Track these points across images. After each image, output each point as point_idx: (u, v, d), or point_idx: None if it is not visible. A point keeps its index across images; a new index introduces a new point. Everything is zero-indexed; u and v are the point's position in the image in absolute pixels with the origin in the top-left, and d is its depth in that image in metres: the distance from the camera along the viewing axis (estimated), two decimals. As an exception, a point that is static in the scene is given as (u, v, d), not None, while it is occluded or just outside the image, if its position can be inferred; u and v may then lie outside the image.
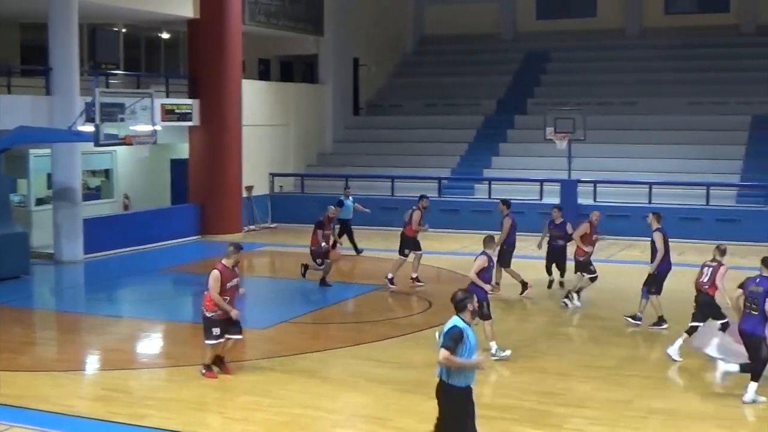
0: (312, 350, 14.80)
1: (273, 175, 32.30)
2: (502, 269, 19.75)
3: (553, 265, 20.29)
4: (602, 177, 29.35)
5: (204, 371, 13.31)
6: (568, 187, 28.65)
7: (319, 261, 20.22)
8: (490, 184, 30.48)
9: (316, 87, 35.67)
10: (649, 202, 27.81)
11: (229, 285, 13.11)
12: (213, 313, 13.11)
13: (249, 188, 30.11)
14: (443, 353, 8.80)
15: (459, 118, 35.68)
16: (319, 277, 20.35)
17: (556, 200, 27.26)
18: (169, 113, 27.06)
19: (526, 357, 14.38)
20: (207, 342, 13.26)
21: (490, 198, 29.50)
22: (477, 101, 36.65)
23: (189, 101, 28.23)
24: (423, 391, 12.57)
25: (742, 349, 12.59)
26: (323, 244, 20.22)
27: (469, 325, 9.04)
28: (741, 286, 12.65)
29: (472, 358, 8.92)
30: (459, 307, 9.11)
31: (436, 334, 9.15)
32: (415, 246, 20.50)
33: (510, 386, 13.15)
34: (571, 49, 38.50)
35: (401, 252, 20.52)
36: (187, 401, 12.29)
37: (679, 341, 14.26)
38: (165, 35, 31.96)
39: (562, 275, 20.26)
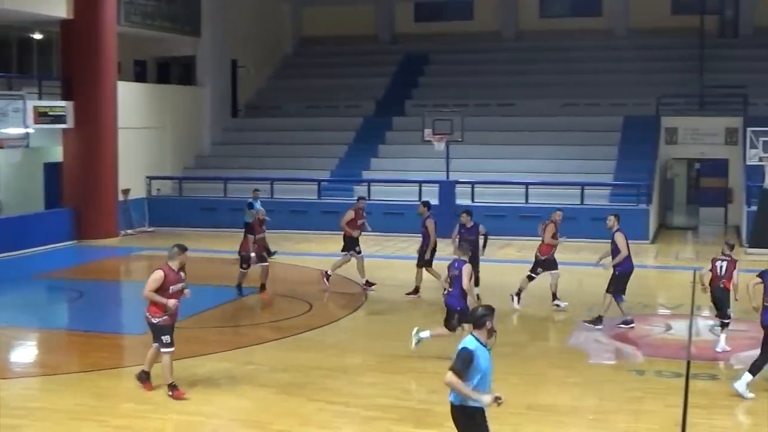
0: (191, 355, 14.60)
1: (150, 178, 31.79)
2: (424, 270, 19.61)
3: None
4: (480, 178, 29.79)
5: (170, 392, 12.34)
6: (447, 188, 28.96)
7: (245, 266, 19.74)
8: (369, 185, 30.59)
9: (193, 89, 35.26)
10: (526, 202, 28.41)
11: (172, 288, 12.26)
12: (159, 319, 12.26)
13: (125, 191, 29.56)
14: (449, 376, 8.17)
15: (338, 120, 35.72)
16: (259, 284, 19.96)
17: (435, 201, 27.56)
18: (42, 116, 26.39)
19: (405, 357, 14.42)
20: (163, 351, 12.34)
21: (369, 199, 29.62)
22: (356, 103, 36.75)
23: (63, 103, 27.56)
24: (303, 393, 12.58)
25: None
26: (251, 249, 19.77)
27: (485, 346, 8.37)
28: (760, 275, 12.88)
29: (485, 385, 8.31)
30: (477, 324, 8.42)
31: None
32: (353, 246, 20.28)
33: (391, 386, 13.19)
34: (449, 52, 38.91)
35: (346, 251, 20.35)
36: (64, 411, 11.97)
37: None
38: (37, 36, 31.16)
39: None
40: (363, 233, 20.63)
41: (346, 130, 35.06)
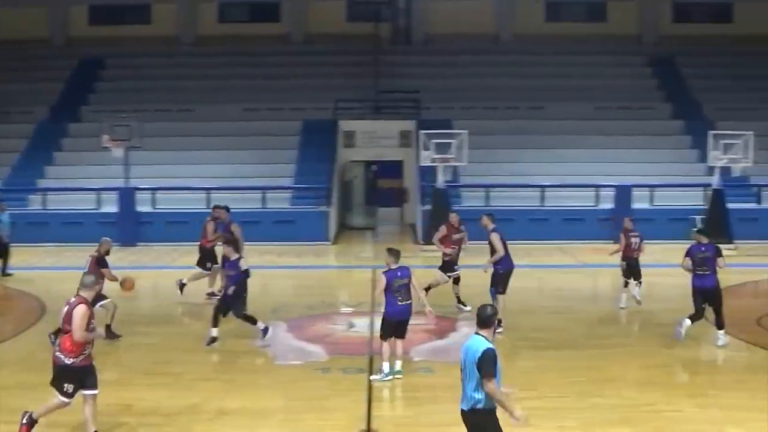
0: None
1: None
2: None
3: None
4: (161, 184, 29.28)
5: (23, 422, 10.63)
6: (126, 195, 28.25)
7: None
8: (44, 195, 29.31)
9: None
10: (207, 207, 28.17)
11: (93, 323, 10.61)
12: (74, 359, 10.40)
13: None
14: (491, 385, 8.11)
15: (10, 127, 33.90)
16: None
17: (114, 209, 26.97)
18: None
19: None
20: (61, 399, 10.54)
21: (45, 209, 28.43)
22: (29, 109, 35.04)
23: None
24: None
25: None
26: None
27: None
28: (687, 254, 15.34)
29: (499, 383, 8.30)
30: (487, 324, 8.41)
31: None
32: (213, 259, 19.20)
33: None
34: (127, 56, 38.01)
35: (202, 265, 19.32)
36: None
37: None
38: None
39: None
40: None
41: (19, 137, 33.35)
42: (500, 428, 8.38)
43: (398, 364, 13.41)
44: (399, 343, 13.39)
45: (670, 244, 24.64)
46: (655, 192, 29.04)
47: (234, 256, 15.36)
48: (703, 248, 15.33)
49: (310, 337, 16.20)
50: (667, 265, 22.14)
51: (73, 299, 10.53)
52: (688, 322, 15.17)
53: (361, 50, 36.48)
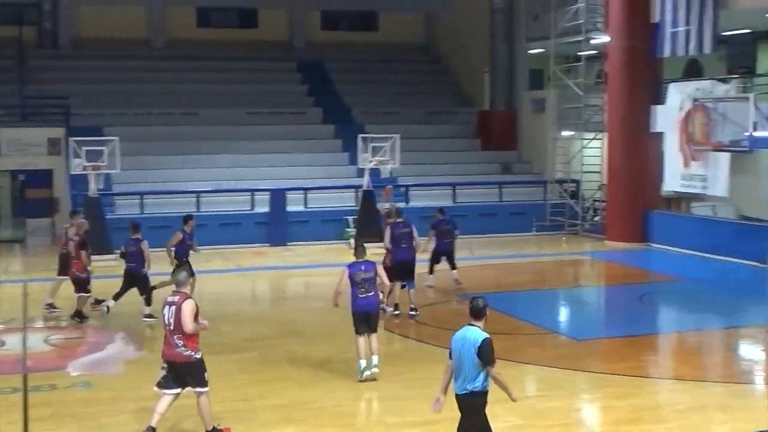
0: None
1: None
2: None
3: None
4: None
5: None
6: None
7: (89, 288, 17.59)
8: None
9: None
10: None
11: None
12: (200, 352, 11.17)
13: None
14: (494, 371, 9.12)
15: None
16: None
17: None
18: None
19: None
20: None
21: None
22: None
23: None
24: None
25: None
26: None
27: None
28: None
29: None
30: (481, 315, 9.27)
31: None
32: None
33: None
34: None
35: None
36: None
37: None
38: None
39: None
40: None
41: None
42: (485, 409, 9.37)
43: (374, 359, 13.50)
44: (373, 337, 13.57)
45: (324, 244, 25.49)
46: (308, 194, 29.73)
47: None
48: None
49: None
50: (324, 265, 22.84)
51: (176, 298, 11.02)
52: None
53: (4, 54, 34.62)
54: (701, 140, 22.31)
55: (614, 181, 28.56)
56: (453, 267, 20.84)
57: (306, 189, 29.80)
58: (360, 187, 28.62)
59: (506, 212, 30.72)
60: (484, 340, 9.09)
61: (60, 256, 19.00)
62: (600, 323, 19.16)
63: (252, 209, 29.01)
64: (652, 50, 26.85)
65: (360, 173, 29.14)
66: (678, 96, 26.45)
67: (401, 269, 17.68)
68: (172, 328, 10.94)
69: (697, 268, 24.07)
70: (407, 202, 30.13)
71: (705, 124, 22.38)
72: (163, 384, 11.13)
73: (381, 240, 22.83)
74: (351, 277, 13.63)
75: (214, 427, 11.15)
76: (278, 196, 28.73)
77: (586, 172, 31.58)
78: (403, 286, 17.89)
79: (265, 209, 28.77)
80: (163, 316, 11.11)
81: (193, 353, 10.97)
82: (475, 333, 9.18)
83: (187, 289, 11.33)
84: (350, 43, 40.53)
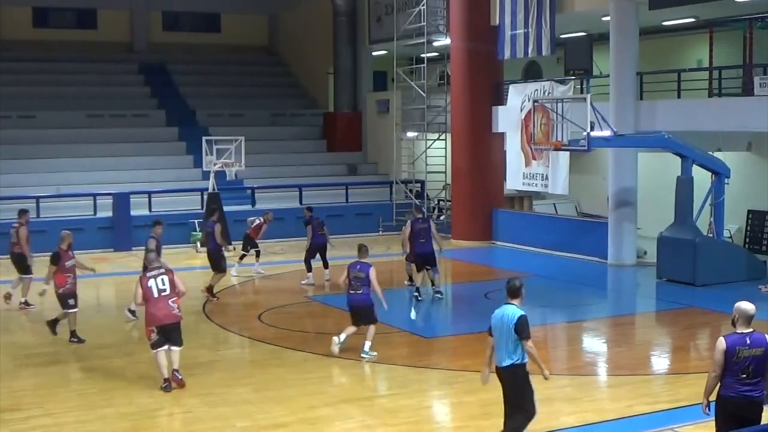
0: None
1: None
2: None
3: None
4: None
5: None
6: None
7: (72, 302, 16.23)
8: None
9: None
10: None
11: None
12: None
13: None
14: (530, 344, 9.96)
15: None
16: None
17: None
18: None
19: None
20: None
21: None
22: None
23: None
24: None
25: None
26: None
27: None
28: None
29: None
30: (517, 294, 10.13)
31: None
32: None
33: None
34: None
35: None
36: None
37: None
38: None
39: None
40: None
41: None
42: (529, 378, 10.15)
43: (366, 345, 14.79)
44: (370, 327, 14.91)
45: (171, 248, 24.99)
46: (153, 198, 29.16)
47: None
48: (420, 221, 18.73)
49: None
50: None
51: (161, 270, 13.26)
52: None
53: None
54: (542, 140, 22.85)
55: (459, 181, 29.06)
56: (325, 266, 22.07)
57: (150, 192, 29.25)
58: (206, 189, 28.27)
59: (353, 213, 30.90)
60: (521, 317, 10.00)
61: None
62: (447, 321, 19.44)
63: (95, 214, 28.26)
64: (494, 53, 27.47)
65: (205, 176, 28.77)
66: (518, 97, 27.13)
67: (422, 260, 19.65)
68: (168, 292, 13.04)
69: (541, 265, 24.70)
70: (253, 205, 29.95)
71: (545, 124, 22.94)
72: (158, 344, 13.15)
73: (229, 243, 22.85)
74: (348, 275, 15.15)
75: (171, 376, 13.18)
76: (122, 200, 28.07)
77: (430, 172, 32.02)
78: (427, 270, 19.85)
79: (109, 214, 28.08)
80: (150, 287, 13.00)
81: (180, 314, 13.26)
82: (512, 310, 10.09)
83: (160, 263, 13.69)
84: (193, 44, 40.07)
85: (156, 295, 13.05)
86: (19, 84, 34.33)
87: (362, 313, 14.98)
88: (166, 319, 13.08)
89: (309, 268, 21.73)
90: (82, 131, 32.92)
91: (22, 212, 20.28)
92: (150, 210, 28.82)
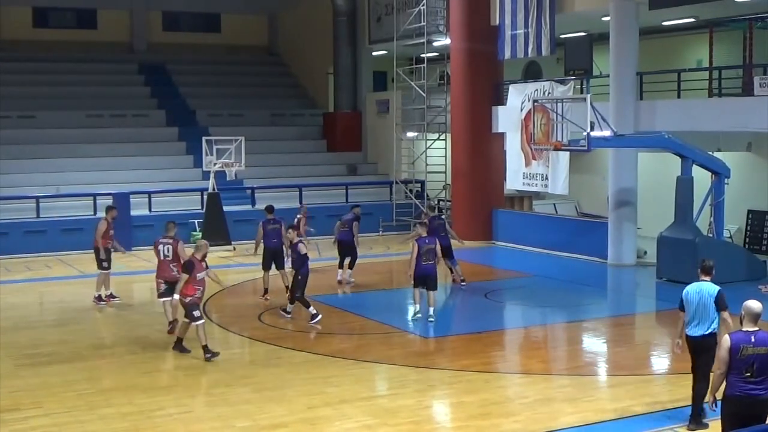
0: None
1: None
2: None
3: None
4: None
5: None
6: None
7: (197, 313, 15.45)
8: None
9: None
10: None
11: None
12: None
13: None
14: (727, 315, 10.90)
15: None
16: None
17: None
18: None
19: None
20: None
21: None
22: None
23: None
24: None
25: None
26: None
27: None
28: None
29: None
30: (710, 271, 11.30)
31: None
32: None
33: None
34: None
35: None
36: None
37: None
38: None
39: None
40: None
41: None
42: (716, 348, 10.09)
43: (430, 310, 17.77)
44: (431, 294, 17.78)
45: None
46: (153, 198, 29.15)
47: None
48: (427, 240, 17.89)
49: None
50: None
51: (170, 240, 16.99)
52: None
53: None
54: (542, 140, 22.83)
55: (459, 181, 29.06)
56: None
57: (150, 192, 29.24)
58: (206, 189, 28.24)
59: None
60: (719, 291, 11.11)
61: None
62: (448, 321, 19.42)
63: (95, 214, 28.18)
64: (494, 53, 27.47)
65: (205, 176, 28.76)
66: (518, 97, 27.11)
67: (444, 252, 20.13)
68: (171, 258, 16.69)
69: (541, 265, 24.70)
70: (253, 205, 29.93)
71: (545, 125, 22.92)
72: (164, 295, 16.69)
73: (229, 243, 22.77)
74: (419, 248, 17.42)
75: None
76: (122, 200, 28.02)
77: (430, 172, 32.03)
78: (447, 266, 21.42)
79: (108, 214, 28.05)
80: (159, 251, 16.82)
81: (178, 274, 15.83)
82: (708, 286, 11.18)
83: (173, 234, 17.09)
84: (193, 44, 40.08)
85: (162, 257, 16.83)
86: (19, 84, 34.33)
87: (431, 281, 17.67)
88: (169, 278, 16.60)
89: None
90: (82, 131, 32.90)
91: (109, 208, 20.71)
92: (150, 210, 28.82)
